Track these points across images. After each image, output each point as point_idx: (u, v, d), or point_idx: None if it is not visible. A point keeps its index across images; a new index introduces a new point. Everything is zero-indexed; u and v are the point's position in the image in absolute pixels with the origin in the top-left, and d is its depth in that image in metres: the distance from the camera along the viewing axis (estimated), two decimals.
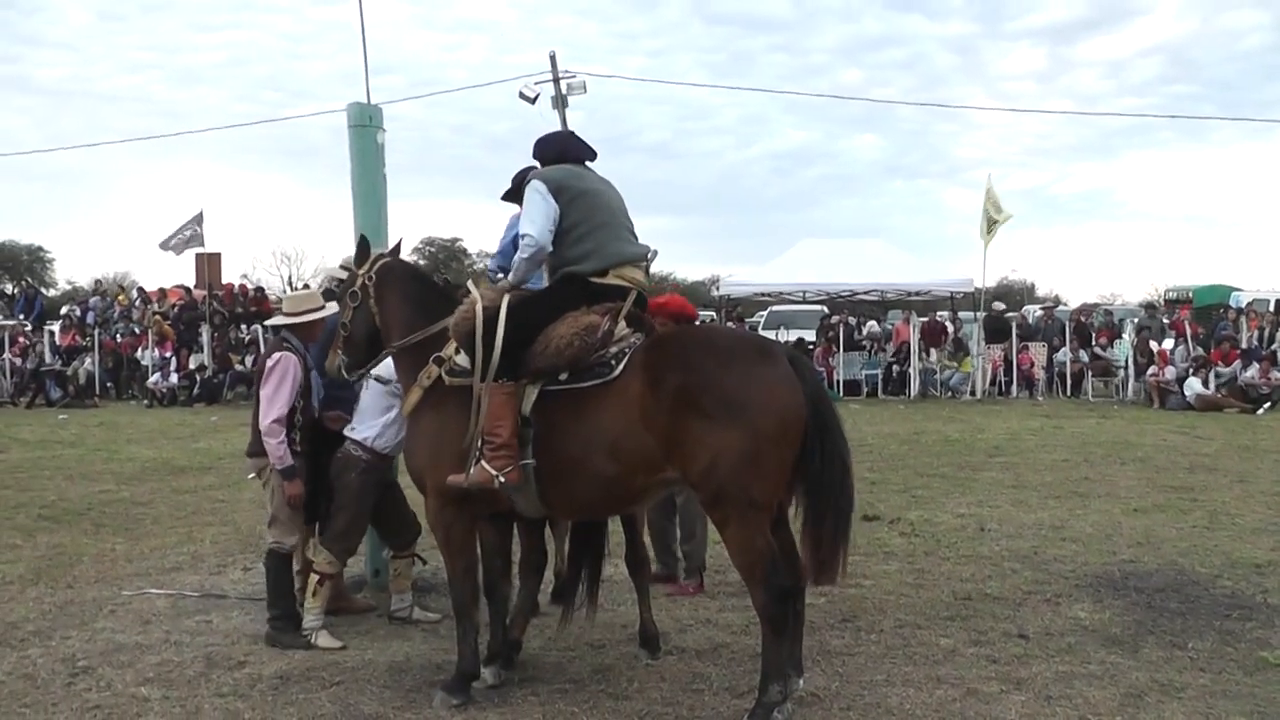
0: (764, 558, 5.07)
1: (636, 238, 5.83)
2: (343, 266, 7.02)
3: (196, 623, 7.05)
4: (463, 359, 5.55)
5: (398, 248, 6.43)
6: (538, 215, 5.53)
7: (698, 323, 8.05)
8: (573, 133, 6.11)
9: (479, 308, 5.46)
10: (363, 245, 6.25)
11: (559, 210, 5.53)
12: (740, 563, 5.20)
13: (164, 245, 26.72)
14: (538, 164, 5.91)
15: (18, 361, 26.37)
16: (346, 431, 6.83)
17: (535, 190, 5.57)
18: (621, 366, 5.30)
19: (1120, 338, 25.88)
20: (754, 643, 5.98)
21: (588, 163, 5.92)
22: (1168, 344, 24.21)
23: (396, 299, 5.99)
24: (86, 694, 5.79)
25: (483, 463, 5.31)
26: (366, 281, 6.04)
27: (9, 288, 47.61)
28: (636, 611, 6.45)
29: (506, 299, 5.49)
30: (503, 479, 5.27)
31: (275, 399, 6.55)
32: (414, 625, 6.97)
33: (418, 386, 5.73)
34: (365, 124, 7.83)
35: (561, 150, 5.91)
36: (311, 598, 6.72)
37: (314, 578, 6.75)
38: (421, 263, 64.49)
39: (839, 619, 6.86)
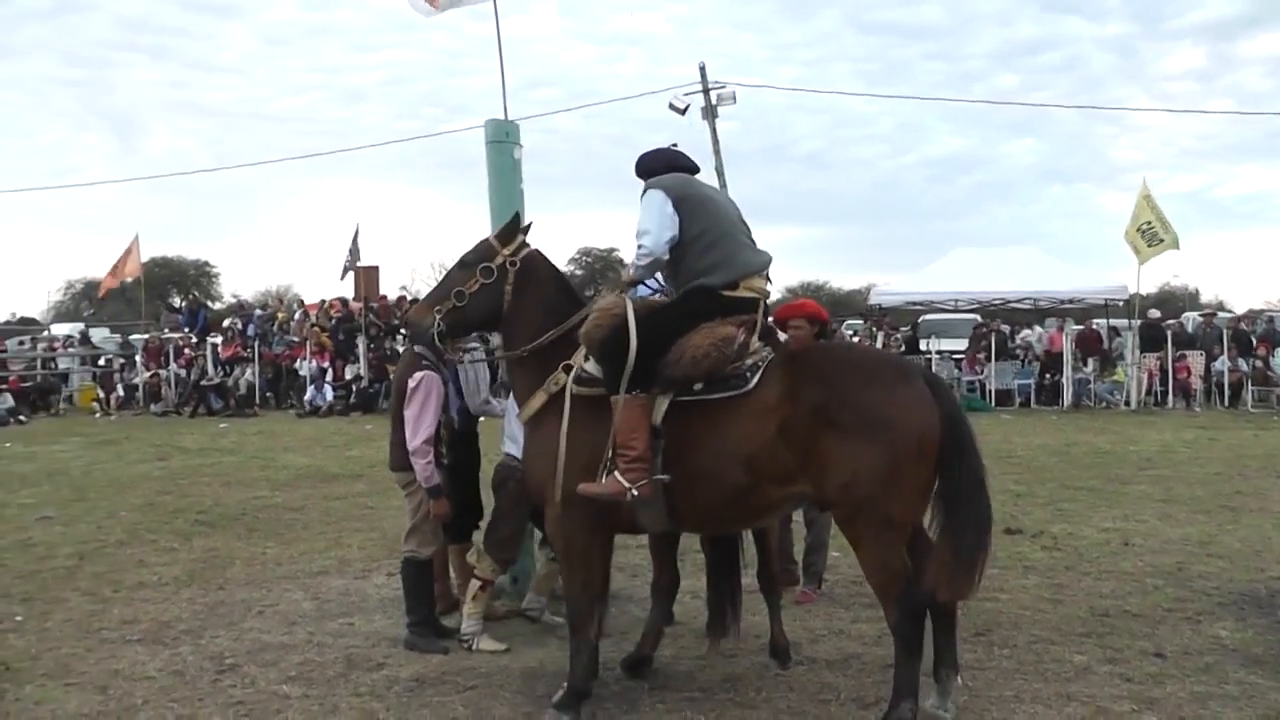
0: (899, 577, 5.06)
1: (755, 244, 5.76)
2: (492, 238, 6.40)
3: (339, 625, 7.28)
4: (592, 366, 5.47)
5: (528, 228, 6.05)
6: (654, 224, 5.47)
7: (839, 330, 8.06)
8: (675, 146, 6.04)
9: (611, 316, 5.40)
10: (514, 222, 5.95)
11: (679, 220, 5.47)
12: (875, 581, 5.19)
13: (341, 278, 27.47)
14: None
15: (183, 373, 27.36)
16: (506, 449, 7.01)
17: (654, 199, 5.51)
18: (757, 379, 5.27)
19: None
20: (885, 654, 5.94)
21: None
22: None
23: (535, 297, 5.79)
24: (231, 690, 6.03)
25: (616, 474, 5.23)
26: (508, 265, 5.77)
27: (177, 301, 49.28)
28: (767, 623, 6.47)
29: (630, 306, 5.41)
30: (635, 492, 5.19)
31: (421, 420, 6.64)
32: (552, 632, 7.01)
33: (543, 391, 5.64)
34: (502, 140, 7.92)
35: (668, 163, 5.85)
36: (471, 602, 6.87)
37: (475, 583, 6.89)
38: (578, 274, 65.04)
39: (973, 632, 6.76)
